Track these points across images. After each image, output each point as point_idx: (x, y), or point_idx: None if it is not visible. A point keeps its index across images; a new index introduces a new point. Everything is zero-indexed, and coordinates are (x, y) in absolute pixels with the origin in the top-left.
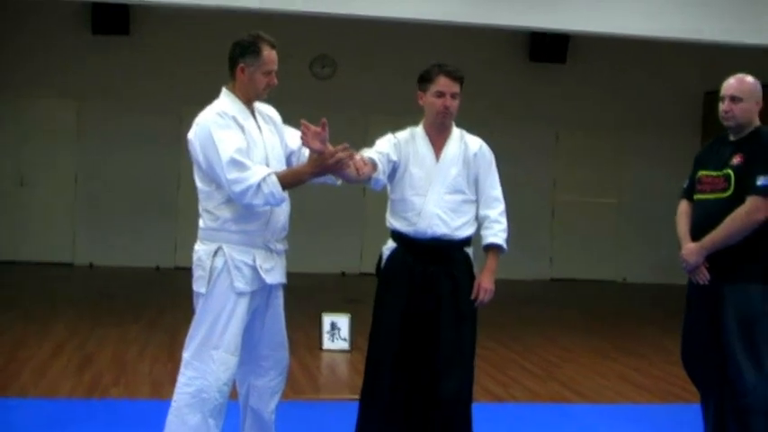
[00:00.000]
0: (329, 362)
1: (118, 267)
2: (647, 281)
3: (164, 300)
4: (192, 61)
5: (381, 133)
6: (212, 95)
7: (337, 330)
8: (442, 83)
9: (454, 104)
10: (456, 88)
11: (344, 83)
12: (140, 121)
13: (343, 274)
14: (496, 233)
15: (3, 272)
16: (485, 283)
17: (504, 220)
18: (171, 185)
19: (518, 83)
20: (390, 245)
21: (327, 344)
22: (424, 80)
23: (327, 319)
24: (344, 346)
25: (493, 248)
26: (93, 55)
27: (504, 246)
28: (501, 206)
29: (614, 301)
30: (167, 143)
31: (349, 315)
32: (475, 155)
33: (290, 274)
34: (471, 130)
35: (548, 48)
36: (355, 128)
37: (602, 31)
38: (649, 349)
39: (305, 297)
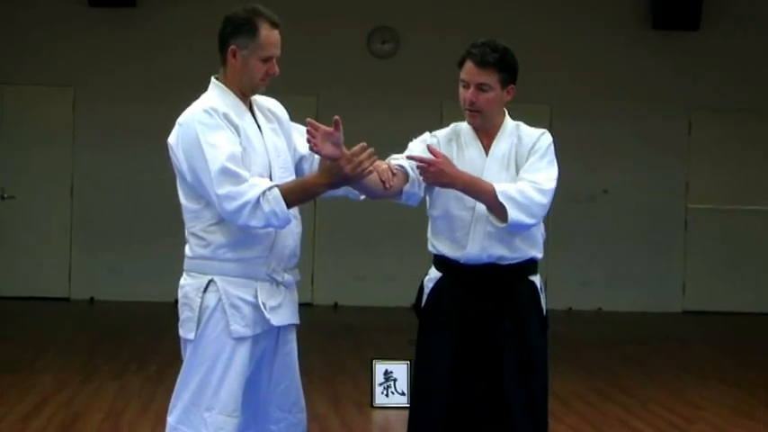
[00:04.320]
0: (382, 422)
1: (126, 303)
2: None
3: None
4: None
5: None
6: None
7: (393, 382)
8: (465, 69)
9: (483, 99)
10: (484, 77)
11: (411, 60)
12: (153, 115)
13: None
14: (508, 186)
15: None
16: (447, 167)
17: (532, 193)
18: None
19: (638, 57)
20: (434, 275)
21: (380, 399)
22: (459, 66)
23: (380, 368)
24: (402, 401)
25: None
26: (92, 32)
27: (503, 201)
28: (540, 185)
29: (767, 341)
30: None
31: (408, 362)
32: (531, 150)
33: (341, 309)
34: (577, 117)
35: (675, 11)
36: (426, 117)
37: None
38: None
39: (360, 338)
